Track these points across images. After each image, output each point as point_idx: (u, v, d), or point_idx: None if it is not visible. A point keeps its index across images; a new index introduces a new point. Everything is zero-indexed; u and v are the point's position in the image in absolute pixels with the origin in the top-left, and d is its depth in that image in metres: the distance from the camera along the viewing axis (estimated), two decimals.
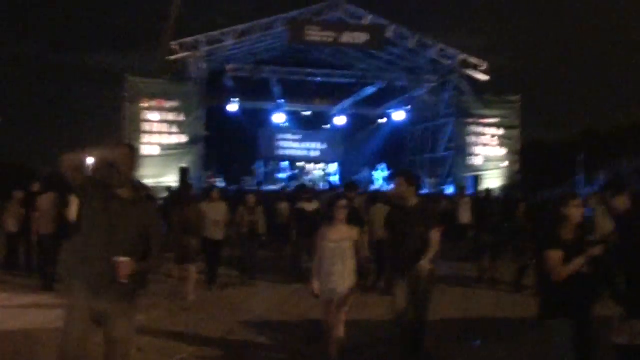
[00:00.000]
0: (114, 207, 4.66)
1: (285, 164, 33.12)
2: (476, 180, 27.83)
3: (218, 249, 12.38)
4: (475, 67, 29.05)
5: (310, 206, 13.60)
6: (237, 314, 9.90)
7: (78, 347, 4.54)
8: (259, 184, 27.74)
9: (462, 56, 29.00)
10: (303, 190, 15.42)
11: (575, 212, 5.44)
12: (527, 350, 7.87)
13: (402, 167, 33.17)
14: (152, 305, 9.53)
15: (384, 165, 31.66)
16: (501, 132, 29.50)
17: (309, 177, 32.33)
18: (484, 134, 29.39)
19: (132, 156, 4.93)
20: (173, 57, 26.39)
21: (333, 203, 7.27)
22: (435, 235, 7.16)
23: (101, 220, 4.61)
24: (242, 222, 13.13)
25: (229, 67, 27.84)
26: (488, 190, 21.53)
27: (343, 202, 7.25)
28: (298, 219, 13.64)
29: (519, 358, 7.91)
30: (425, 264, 7.00)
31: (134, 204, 4.79)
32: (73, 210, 11.24)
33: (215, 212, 12.14)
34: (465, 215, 18.39)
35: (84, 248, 4.66)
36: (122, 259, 4.47)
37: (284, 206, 16.32)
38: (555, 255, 5.28)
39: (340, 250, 6.88)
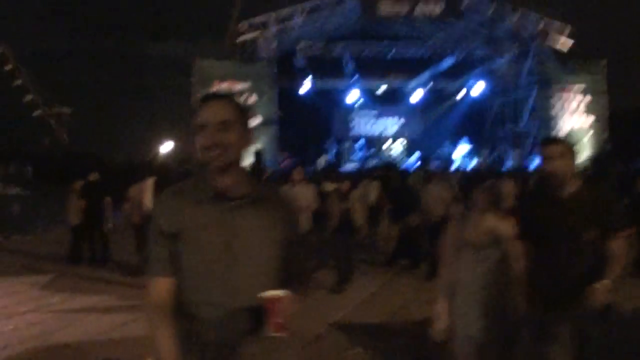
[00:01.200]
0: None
1: (361, 142, 32.08)
2: None
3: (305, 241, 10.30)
4: (558, 32, 27.48)
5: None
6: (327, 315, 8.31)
7: None
8: (330, 165, 26.80)
9: (544, 21, 27.46)
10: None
11: None
12: None
13: (484, 140, 31.97)
14: None
15: (465, 139, 30.43)
16: (587, 99, 27.87)
17: (388, 154, 31.27)
18: (569, 103, 27.77)
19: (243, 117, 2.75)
20: (242, 38, 25.74)
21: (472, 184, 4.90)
22: (619, 246, 4.12)
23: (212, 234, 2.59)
24: (332, 210, 10.22)
25: (300, 45, 27.03)
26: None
27: (488, 183, 4.75)
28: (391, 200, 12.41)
29: None
30: (602, 290, 3.93)
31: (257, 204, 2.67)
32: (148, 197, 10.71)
33: (301, 196, 9.91)
34: None
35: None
36: (276, 292, 2.52)
37: (374, 185, 13.94)
38: None
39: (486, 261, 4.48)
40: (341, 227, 10.17)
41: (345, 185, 11.24)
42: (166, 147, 27.45)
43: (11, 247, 15.15)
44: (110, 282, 10.71)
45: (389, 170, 15.30)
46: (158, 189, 10.31)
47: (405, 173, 16.05)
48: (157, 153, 26.90)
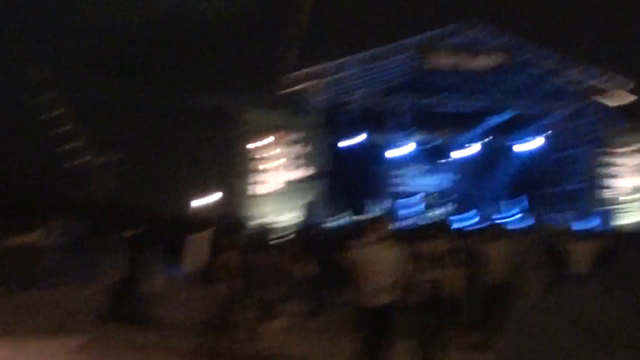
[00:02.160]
0: None
1: (418, 197, 30.97)
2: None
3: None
4: (619, 87, 26.26)
5: None
6: None
7: None
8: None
9: (604, 78, 26.26)
10: None
11: None
12: None
13: (537, 199, 30.77)
14: None
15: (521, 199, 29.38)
16: None
17: (436, 212, 30.15)
18: (628, 161, 26.46)
19: None
20: (293, 88, 25.02)
21: None
22: None
23: None
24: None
25: (352, 97, 26.20)
26: None
27: None
28: None
29: None
30: None
31: None
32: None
33: (384, 260, 6.69)
34: None
35: None
36: None
37: None
38: None
39: None
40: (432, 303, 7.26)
41: (439, 243, 8.23)
42: (212, 197, 26.63)
43: (44, 303, 14.14)
44: (148, 346, 9.62)
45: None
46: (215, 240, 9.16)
47: None
48: (206, 204, 26.07)
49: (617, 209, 25.36)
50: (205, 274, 8.78)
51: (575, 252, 12.91)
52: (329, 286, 12.26)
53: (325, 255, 11.05)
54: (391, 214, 28.18)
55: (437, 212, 29.43)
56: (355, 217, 26.54)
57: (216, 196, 26.81)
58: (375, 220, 6.40)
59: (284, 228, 12.75)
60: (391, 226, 6.76)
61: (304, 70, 25.11)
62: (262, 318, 10.22)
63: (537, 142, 30.49)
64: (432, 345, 6.82)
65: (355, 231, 11.34)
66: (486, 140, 31.77)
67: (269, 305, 9.59)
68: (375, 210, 28.30)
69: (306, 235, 17.18)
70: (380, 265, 6.38)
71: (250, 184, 24.83)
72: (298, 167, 25.16)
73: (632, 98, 26.21)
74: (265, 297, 9.60)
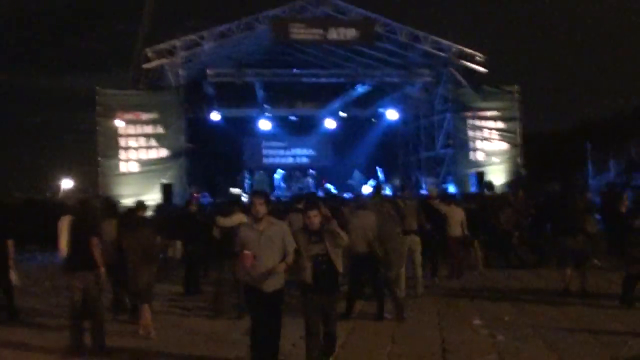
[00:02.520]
0: None
1: (281, 173, 30.86)
2: (480, 177, 25.90)
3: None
4: (470, 59, 27.10)
5: None
6: None
7: None
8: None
9: (457, 47, 27.01)
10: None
11: None
12: None
13: (397, 168, 31.47)
14: None
15: (380, 174, 29.84)
16: (500, 125, 27.43)
17: (301, 184, 30.21)
18: (483, 128, 27.28)
19: None
20: (147, 66, 24.20)
21: None
22: None
23: None
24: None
25: (209, 72, 25.64)
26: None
27: None
28: None
29: None
30: None
31: None
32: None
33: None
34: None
35: None
36: None
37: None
38: None
39: None
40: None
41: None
42: (67, 183, 25.52)
43: None
44: (12, 341, 9.01)
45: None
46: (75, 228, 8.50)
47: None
48: (63, 189, 24.93)
49: (481, 172, 26.08)
50: (72, 259, 8.22)
51: (451, 215, 13.25)
52: (205, 267, 11.92)
53: (198, 235, 10.75)
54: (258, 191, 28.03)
55: (299, 186, 29.42)
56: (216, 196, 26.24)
57: (74, 178, 25.75)
58: (255, 196, 7.02)
59: (145, 209, 12.22)
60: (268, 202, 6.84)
61: (158, 46, 24.33)
62: (135, 302, 9.84)
63: (393, 114, 31.02)
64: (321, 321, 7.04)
65: (225, 209, 11.04)
66: (343, 113, 32.06)
67: (141, 289, 9.27)
68: (236, 189, 28.07)
69: (169, 215, 16.73)
70: (267, 242, 6.80)
71: (108, 165, 23.89)
72: (153, 147, 24.39)
73: (483, 70, 27.09)
74: (136, 280, 9.25)
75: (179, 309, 11.07)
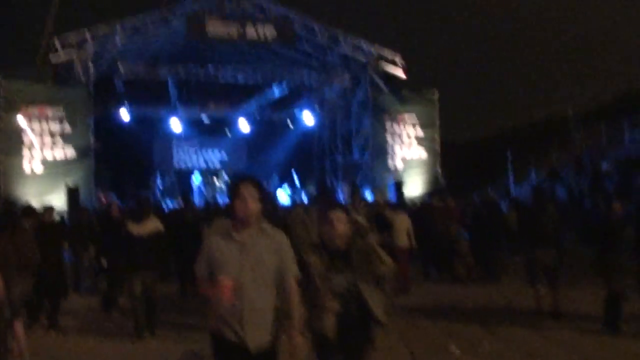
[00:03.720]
0: None
1: (197, 176, 29.87)
2: (398, 186, 25.67)
3: None
4: (391, 62, 27.00)
5: None
6: None
7: None
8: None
9: (376, 50, 26.87)
10: None
11: None
12: None
13: (312, 173, 31.10)
14: None
15: (293, 174, 29.44)
16: (419, 132, 27.38)
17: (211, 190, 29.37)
18: (401, 134, 27.16)
19: None
20: (55, 59, 23.00)
21: None
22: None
23: None
24: None
25: (121, 68, 24.60)
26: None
27: None
28: None
29: None
30: None
31: None
32: None
33: None
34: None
35: None
36: None
37: None
38: None
39: None
40: None
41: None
42: None
43: None
44: None
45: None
46: None
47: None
48: None
49: (399, 181, 25.89)
50: None
51: (398, 223, 12.72)
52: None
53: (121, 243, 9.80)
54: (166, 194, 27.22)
55: (212, 191, 28.59)
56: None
57: None
58: (244, 183, 4.34)
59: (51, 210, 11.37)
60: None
61: (68, 35, 23.21)
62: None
63: (309, 117, 30.64)
64: None
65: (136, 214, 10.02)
66: (257, 115, 31.52)
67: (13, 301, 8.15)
68: (146, 192, 27.07)
69: (76, 220, 15.76)
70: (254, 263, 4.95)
71: (11, 164, 22.49)
72: (59, 146, 23.15)
73: (402, 75, 27.04)
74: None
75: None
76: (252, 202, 4.18)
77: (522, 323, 9.92)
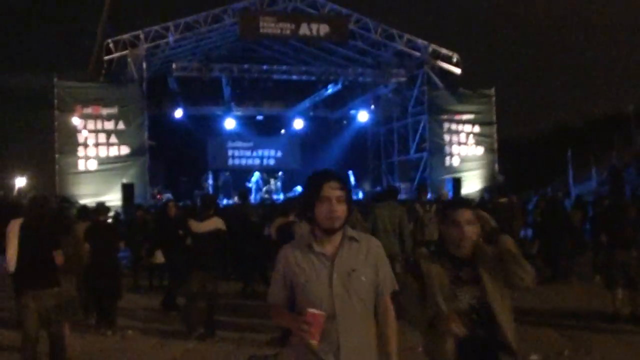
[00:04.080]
0: None
1: (255, 175, 29.83)
2: (456, 182, 25.34)
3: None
4: (446, 59, 26.61)
5: None
6: None
7: None
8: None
9: (432, 47, 26.50)
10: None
11: None
12: None
13: (368, 172, 30.85)
14: None
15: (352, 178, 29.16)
16: (477, 129, 26.99)
17: (266, 188, 29.32)
18: (459, 132, 26.79)
19: None
20: (109, 57, 23.25)
21: None
22: None
23: None
24: None
25: (175, 66, 24.72)
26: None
27: None
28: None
29: None
30: None
31: None
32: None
33: None
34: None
35: None
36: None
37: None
38: None
39: None
40: None
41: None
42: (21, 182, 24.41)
43: None
44: None
45: None
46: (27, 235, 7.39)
47: None
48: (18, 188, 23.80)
49: (457, 177, 25.59)
50: (24, 275, 7.08)
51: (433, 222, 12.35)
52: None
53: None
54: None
55: (268, 189, 28.53)
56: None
57: (29, 176, 24.67)
58: (327, 179, 3.36)
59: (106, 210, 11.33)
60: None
61: (121, 37, 23.45)
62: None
63: (365, 115, 30.39)
64: None
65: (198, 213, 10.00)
66: (313, 113, 31.41)
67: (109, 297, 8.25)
68: (201, 191, 27.18)
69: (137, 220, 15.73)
70: (351, 284, 3.60)
71: (66, 162, 22.82)
72: (113, 144, 23.40)
73: (458, 70, 26.68)
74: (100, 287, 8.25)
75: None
76: (337, 203, 3.29)
77: (600, 328, 9.36)
